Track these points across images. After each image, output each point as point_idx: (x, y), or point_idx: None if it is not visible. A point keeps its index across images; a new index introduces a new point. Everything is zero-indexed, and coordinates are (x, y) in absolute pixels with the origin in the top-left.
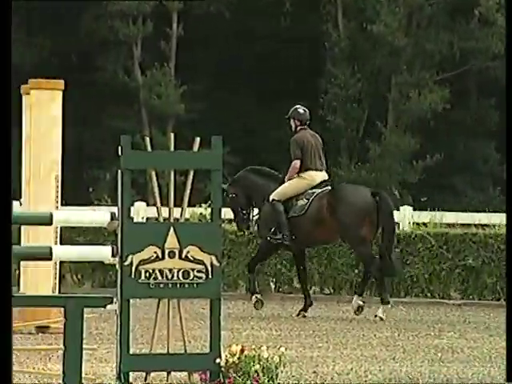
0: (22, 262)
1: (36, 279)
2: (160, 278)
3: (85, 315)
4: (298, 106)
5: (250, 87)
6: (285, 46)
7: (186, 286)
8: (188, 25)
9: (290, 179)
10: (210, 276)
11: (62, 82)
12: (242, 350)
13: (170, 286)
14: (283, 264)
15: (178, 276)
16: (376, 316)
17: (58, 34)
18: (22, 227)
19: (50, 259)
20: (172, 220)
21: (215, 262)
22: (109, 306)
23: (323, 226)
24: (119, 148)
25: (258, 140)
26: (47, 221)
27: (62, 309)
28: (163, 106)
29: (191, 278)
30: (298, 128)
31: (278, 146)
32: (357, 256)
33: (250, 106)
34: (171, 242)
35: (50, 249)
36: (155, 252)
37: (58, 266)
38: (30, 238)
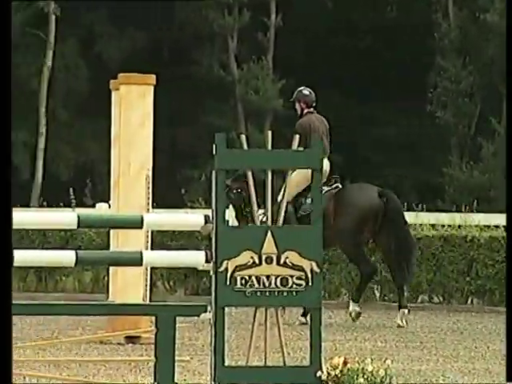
0: (110, 268)
1: (126, 286)
2: (257, 285)
3: (177, 324)
4: (302, 88)
5: (353, 81)
6: (391, 37)
7: (285, 293)
8: (287, 15)
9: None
10: (310, 283)
11: (154, 76)
12: (345, 363)
13: (268, 293)
14: (388, 270)
15: (275, 283)
16: (350, 315)
17: (150, 25)
18: (111, 231)
19: (141, 265)
20: (269, 223)
21: (316, 269)
22: (202, 315)
23: (326, 229)
24: (214, 146)
25: (360, 138)
26: (137, 224)
27: (153, 318)
28: (260, 102)
29: (290, 285)
30: (305, 111)
31: (382, 144)
32: (347, 258)
33: (353, 102)
34: (268, 246)
35: (141, 254)
36: (252, 257)
37: (148, 273)
38: (120, 242)
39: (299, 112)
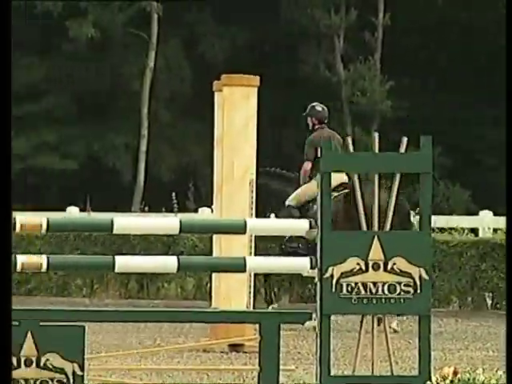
0: (213, 274)
1: (229, 293)
2: (363, 292)
3: (282, 332)
4: (315, 104)
5: (464, 82)
6: (503, 36)
7: (392, 301)
8: (395, 13)
9: (304, 182)
10: (419, 290)
11: (257, 77)
12: (455, 373)
13: (375, 301)
14: (501, 277)
15: (382, 290)
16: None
17: (254, 24)
18: (214, 236)
19: (244, 271)
20: (376, 229)
21: (424, 275)
22: (307, 323)
23: None
24: (319, 149)
25: (472, 140)
26: (241, 229)
27: (257, 325)
28: (367, 103)
29: (397, 292)
30: (316, 127)
31: (495, 147)
32: None
33: (464, 103)
34: (375, 252)
35: (244, 260)
36: (358, 264)
37: (252, 279)
38: (223, 247)
39: (310, 127)
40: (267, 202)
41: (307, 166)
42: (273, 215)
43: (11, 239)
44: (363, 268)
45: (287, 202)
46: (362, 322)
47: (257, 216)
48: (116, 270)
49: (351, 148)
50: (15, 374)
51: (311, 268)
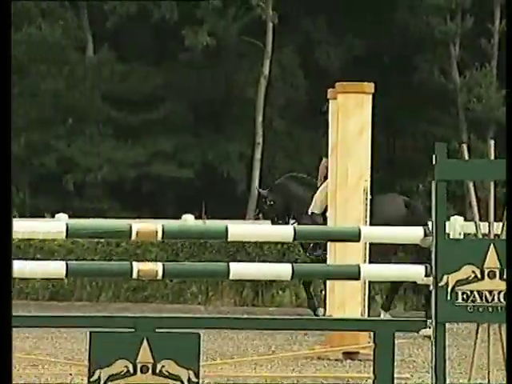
0: (328, 282)
1: (343, 301)
2: (479, 300)
3: (396, 340)
4: None
5: None
6: None
7: None
8: None
9: (321, 181)
10: None
11: (372, 84)
12: None
13: (490, 309)
14: None
15: (498, 298)
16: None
17: (369, 31)
18: (328, 244)
19: (358, 279)
20: (492, 236)
21: None
22: (422, 331)
23: None
24: (434, 156)
25: None
26: (354, 237)
27: (372, 333)
28: (483, 110)
29: None
30: None
31: None
32: None
33: None
34: (491, 260)
35: (358, 267)
36: (473, 272)
37: (367, 287)
38: (337, 255)
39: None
40: (289, 208)
41: (325, 162)
42: (292, 221)
43: (11, 240)
44: (479, 276)
45: (310, 210)
46: (477, 330)
47: (278, 221)
48: (231, 278)
49: (466, 155)
50: (131, 379)
51: (426, 276)
